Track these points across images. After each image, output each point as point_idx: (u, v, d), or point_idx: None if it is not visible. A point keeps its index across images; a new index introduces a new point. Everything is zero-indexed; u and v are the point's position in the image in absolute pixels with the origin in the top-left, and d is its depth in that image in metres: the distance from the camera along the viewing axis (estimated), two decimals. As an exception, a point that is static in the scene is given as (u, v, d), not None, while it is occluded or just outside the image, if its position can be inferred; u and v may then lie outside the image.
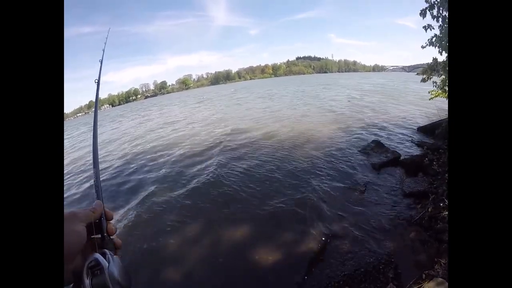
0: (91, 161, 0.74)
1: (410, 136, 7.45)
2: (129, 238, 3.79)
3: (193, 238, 3.66)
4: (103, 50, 1.17)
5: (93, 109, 0.90)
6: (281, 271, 2.90)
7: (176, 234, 3.79)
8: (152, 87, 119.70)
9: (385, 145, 6.44)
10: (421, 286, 2.26)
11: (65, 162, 9.59)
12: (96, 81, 0.93)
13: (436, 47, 5.20)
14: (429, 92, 7.41)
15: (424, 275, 2.40)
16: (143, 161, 7.83)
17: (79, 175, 7.64)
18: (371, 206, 4.03)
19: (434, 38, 5.19)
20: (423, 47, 5.53)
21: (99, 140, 1.02)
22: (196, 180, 5.55)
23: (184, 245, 3.55)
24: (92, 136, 0.78)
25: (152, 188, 5.51)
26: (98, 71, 0.98)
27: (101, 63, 1.04)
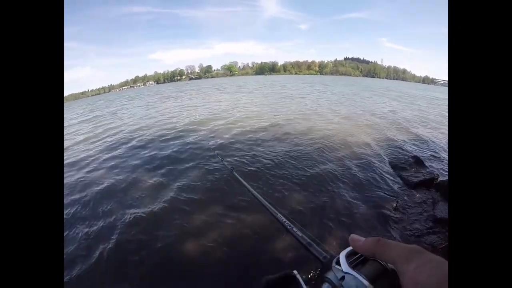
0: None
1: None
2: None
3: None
4: None
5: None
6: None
7: (202, 211, 3.97)
8: (197, 69, 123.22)
9: (425, 163, 6.03)
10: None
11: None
12: None
13: None
14: None
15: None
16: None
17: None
18: (397, 224, 3.85)
19: None
20: None
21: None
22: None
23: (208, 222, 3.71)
24: None
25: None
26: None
27: None
